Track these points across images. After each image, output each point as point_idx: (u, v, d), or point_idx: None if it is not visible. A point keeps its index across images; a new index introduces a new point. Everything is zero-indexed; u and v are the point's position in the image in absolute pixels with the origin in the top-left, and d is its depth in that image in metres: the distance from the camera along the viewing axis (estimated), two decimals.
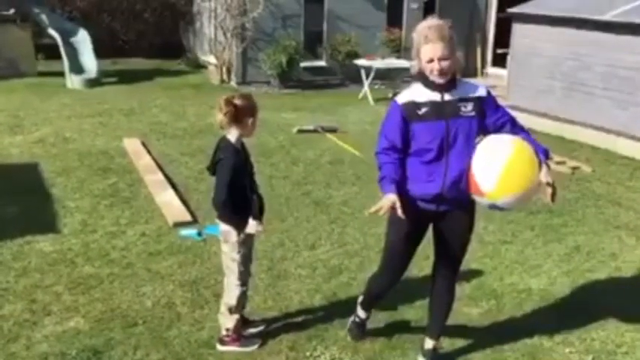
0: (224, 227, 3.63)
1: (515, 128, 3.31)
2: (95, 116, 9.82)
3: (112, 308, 4.23)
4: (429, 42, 3.10)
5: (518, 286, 4.75)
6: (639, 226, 6.05)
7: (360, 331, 3.93)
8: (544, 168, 3.15)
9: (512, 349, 3.89)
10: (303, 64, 13.31)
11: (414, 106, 3.23)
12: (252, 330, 3.94)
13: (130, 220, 5.77)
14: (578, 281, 4.88)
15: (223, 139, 3.62)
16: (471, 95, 3.25)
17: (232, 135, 3.58)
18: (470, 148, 3.20)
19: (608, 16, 9.57)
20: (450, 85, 3.21)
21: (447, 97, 3.22)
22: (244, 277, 3.71)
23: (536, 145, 3.22)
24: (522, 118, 11.05)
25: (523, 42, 11.26)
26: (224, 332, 3.79)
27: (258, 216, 3.68)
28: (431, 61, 3.12)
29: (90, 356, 3.69)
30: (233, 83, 13.17)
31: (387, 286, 3.72)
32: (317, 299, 4.43)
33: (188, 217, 5.80)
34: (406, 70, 11.12)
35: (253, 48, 13.16)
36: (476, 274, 4.90)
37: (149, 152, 7.88)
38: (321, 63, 13.70)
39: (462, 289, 4.63)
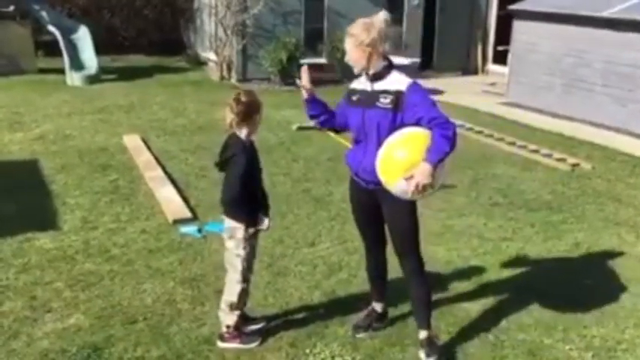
0: (231, 224, 3.66)
1: (431, 123, 3.28)
2: (95, 113, 9.82)
3: (112, 305, 4.24)
4: (346, 37, 3.48)
5: (517, 283, 4.75)
6: (639, 222, 6.04)
7: (366, 322, 4.00)
8: (420, 165, 3.19)
9: (512, 346, 3.90)
10: (303, 61, 13.27)
11: (352, 92, 3.60)
12: (253, 327, 3.94)
13: (130, 216, 5.78)
14: (578, 278, 4.88)
15: (233, 136, 3.64)
16: (393, 88, 3.41)
17: (242, 132, 3.61)
18: (382, 137, 3.39)
19: (607, 13, 9.57)
20: (379, 76, 3.46)
21: (375, 87, 3.47)
22: (247, 274, 3.73)
23: (435, 145, 3.22)
24: (522, 115, 11.06)
25: (523, 39, 11.26)
26: (224, 329, 3.80)
27: (266, 211, 3.75)
28: (347, 53, 3.49)
29: (90, 353, 3.70)
30: (233, 80, 13.15)
31: (368, 265, 4.01)
32: (317, 296, 4.43)
33: (188, 214, 5.80)
34: (406, 66, 11.09)
35: (253, 45, 13.14)
36: (476, 270, 4.91)
37: (149, 149, 7.88)
38: (322, 60, 13.68)
39: (461, 285, 4.64)
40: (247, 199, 3.59)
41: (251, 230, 3.65)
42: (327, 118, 3.73)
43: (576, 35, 10.20)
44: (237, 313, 3.76)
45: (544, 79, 10.85)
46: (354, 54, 3.44)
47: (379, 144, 3.39)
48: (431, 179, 3.20)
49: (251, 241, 3.69)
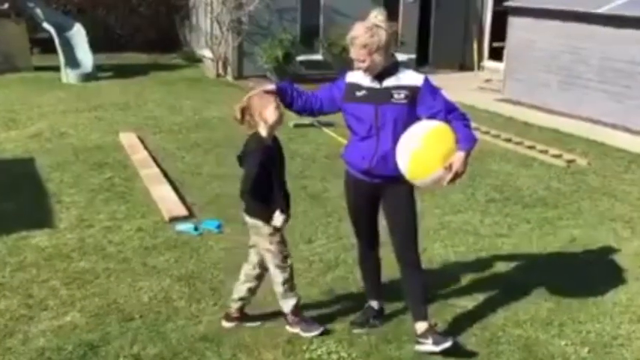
0: (251, 221, 3.73)
1: (450, 116, 3.48)
2: (91, 111, 9.79)
3: (108, 303, 4.23)
4: (351, 46, 3.52)
5: (513, 279, 4.76)
6: (634, 218, 6.06)
7: (363, 319, 4.01)
8: (457, 154, 3.37)
9: (508, 342, 3.91)
10: (299, 58, 13.27)
11: (356, 87, 3.61)
12: (250, 324, 3.95)
13: (126, 214, 5.77)
14: (574, 274, 4.89)
15: (254, 133, 3.69)
16: (407, 84, 3.52)
17: (262, 130, 3.65)
18: (399, 131, 3.48)
19: (604, 9, 9.58)
20: (388, 73, 3.54)
21: (385, 84, 3.54)
22: (283, 263, 3.78)
23: (463, 134, 3.43)
24: (518, 112, 11.05)
25: (519, 35, 11.26)
26: (287, 312, 3.90)
27: (286, 210, 3.77)
28: (355, 60, 3.54)
29: (86, 351, 3.69)
30: (229, 77, 13.14)
31: (360, 258, 4.06)
32: (313, 293, 4.43)
33: (184, 212, 5.79)
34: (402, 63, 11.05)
35: (249, 42, 13.12)
36: (472, 266, 4.91)
37: (145, 147, 7.87)
38: (318, 57, 13.67)
39: (457, 282, 4.65)
40: (262, 197, 3.63)
41: (270, 227, 3.69)
42: (300, 106, 3.77)
43: (572, 31, 10.20)
44: (291, 300, 3.84)
45: (540, 75, 10.85)
46: (374, 60, 3.47)
47: (394, 138, 3.47)
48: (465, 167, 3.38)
49: (277, 236, 3.72)
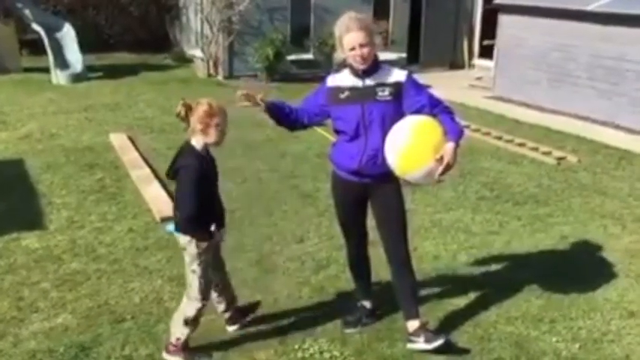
0: (183, 239, 3.43)
1: (435, 110, 3.47)
2: (81, 111, 9.75)
3: (99, 304, 4.22)
4: (350, 31, 3.41)
5: (504, 277, 4.78)
6: (624, 215, 6.09)
7: (355, 317, 4.02)
8: (447, 145, 3.33)
9: (499, 339, 3.92)
10: (290, 57, 13.27)
11: (338, 90, 3.58)
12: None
13: (117, 215, 5.75)
14: (565, 271, 4.91)
15: (187, 144, 3.42)
16: (390, 80, 3.51)
17: (197, 142, 3.39)
18: (387, 128, 3.45)
19: (592, 7, 9.62)
20: (371, 71, 3.50)
21: (368, 82, 3.51)
22: (205, 291, 3.51)
23: (450, 127, 3.42)
24: (508, 109, 11.08)
25: (509, 33, 11.30)
26: (173, 341, 3.60)
27: (222, 224, 3.60)
28: (353, 49, 3.43)
29: (78, 352, 3.68)
30: (220, 77, 13.11)
31: (350, 259, 4.03)
32: (305, 292, 4.43)
33: None
34: (392, 62, 11.09)
35: (240, 41, 13.10)
36: (463, 264, 4.93)
37: (136, 147, 7.84)
38: (309, 56, 13.67)
39: (449, 280, 4.66)
40: (201, 213, 3.33)
41: (203, 245, 3.41)
42: (292, 120, 3.73)
43: (562, 29, 10.25)
44: (183, 331, 3.56)
45: (530, 73, 10.89)
46: (371, 46, 3.44)
47: (383, 136, 3.45)
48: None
49: (206, 256, 3.45)
